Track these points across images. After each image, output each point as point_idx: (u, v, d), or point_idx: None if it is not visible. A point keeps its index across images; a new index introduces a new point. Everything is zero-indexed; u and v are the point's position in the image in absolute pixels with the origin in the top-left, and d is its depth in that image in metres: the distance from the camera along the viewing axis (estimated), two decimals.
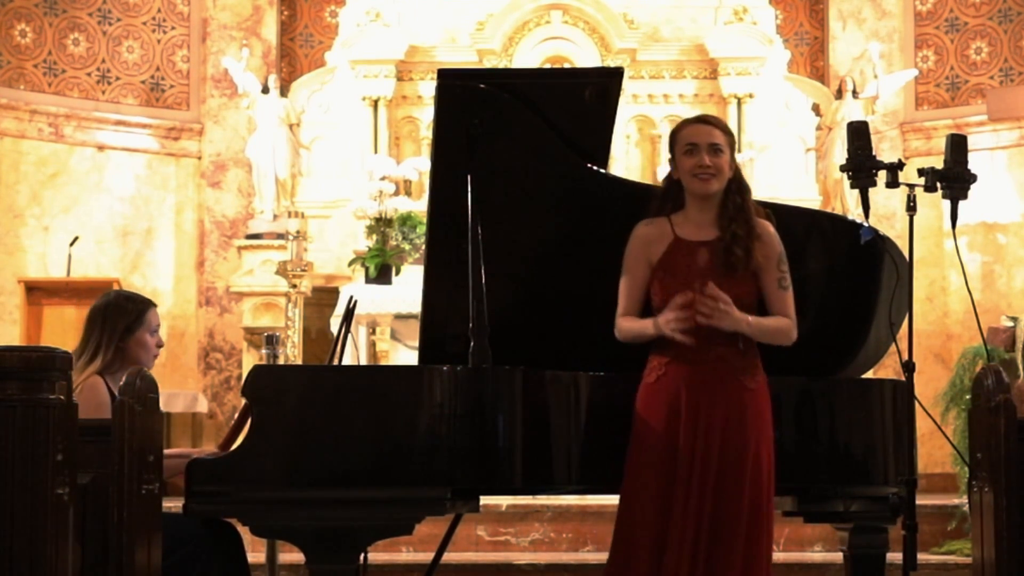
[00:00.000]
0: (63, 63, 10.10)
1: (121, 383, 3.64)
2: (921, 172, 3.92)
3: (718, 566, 3.66)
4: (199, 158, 10.33)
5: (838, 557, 5.44)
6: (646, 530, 3.70)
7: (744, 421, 3.74)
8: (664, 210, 3.90)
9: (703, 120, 3.91)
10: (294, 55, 10.80)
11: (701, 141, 3.81)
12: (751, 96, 9.74)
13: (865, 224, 4.04)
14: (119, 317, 4.24)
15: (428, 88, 9.59)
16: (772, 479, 3.78)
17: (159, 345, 4.33)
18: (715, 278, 3.77)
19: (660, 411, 3.75)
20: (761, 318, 3.80)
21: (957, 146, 3.93)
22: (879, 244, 4.16)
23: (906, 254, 4.02)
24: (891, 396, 4.16)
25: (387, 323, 8.75)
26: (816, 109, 10.11)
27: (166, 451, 4.01)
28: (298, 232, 8.17)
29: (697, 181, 3.81)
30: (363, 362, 8.35)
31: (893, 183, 3.91)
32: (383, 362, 8.69)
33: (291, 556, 5.57)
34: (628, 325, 3.85)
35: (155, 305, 4.39)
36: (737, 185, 3.88)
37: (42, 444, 2.91)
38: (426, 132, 9.63)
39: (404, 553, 6.92)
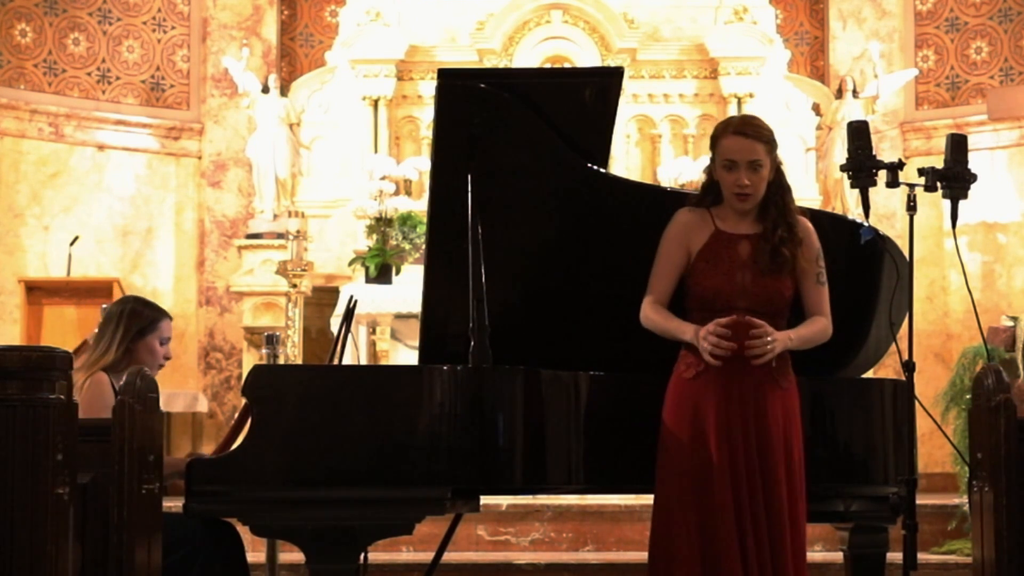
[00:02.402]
0: (63, 63, 10.10)
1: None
2: (921, 172, 3.92)
3: (774, 567, 3.67)
4: (199, 158, 10.33)
5: (838, 557, 5.43)
6: (688, 533, 3.69)
7: (778, 420, 3.75)
8: (704, 202, 3.90)
9: (743, 133, 3.81)
10: (294, 55, 10.80)
11: (741, 159, 3.78)
12: (751, 96, 9.73)
13: (865, 224, 4.04)
14: (134, 320, 4.37)
15: (428, 88, 9.58)
16: (804, 474, 3.79)
17: (166, 357, 4.45)
18: (757, 272, 3.79)
19: (695, 407, 3.74)
20: (800, 329, 3.82)
21: (957, 146, 3.93)
22: (879, 244, 4.16)
23: (906, 254, 4.02)
24: (891, 396, 4.16)
25: (387, 323, 8.75)
26: (816, 109, 10.11)
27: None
28: (298, 232, 8.17)
29: (735, 199, 3.82)
30: (363, 362, 8.35)
31: (893, 183, 3.91)
32: (383, 362, 8.69)
33: (291, 556, 5.57)
34: (660, 319, 3.83)
35: (171, 317, 4.52)
36: (778, 186, 3.88)
37: (42, 444, 2.91)
38: (426, 132, 9.63)
39: (404, 553, 6.92)
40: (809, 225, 3.90)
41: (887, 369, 6.43)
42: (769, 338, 3.71)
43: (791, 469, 3.75)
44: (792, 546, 3.72)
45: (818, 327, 3.85)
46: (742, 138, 3.80)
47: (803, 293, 3.87)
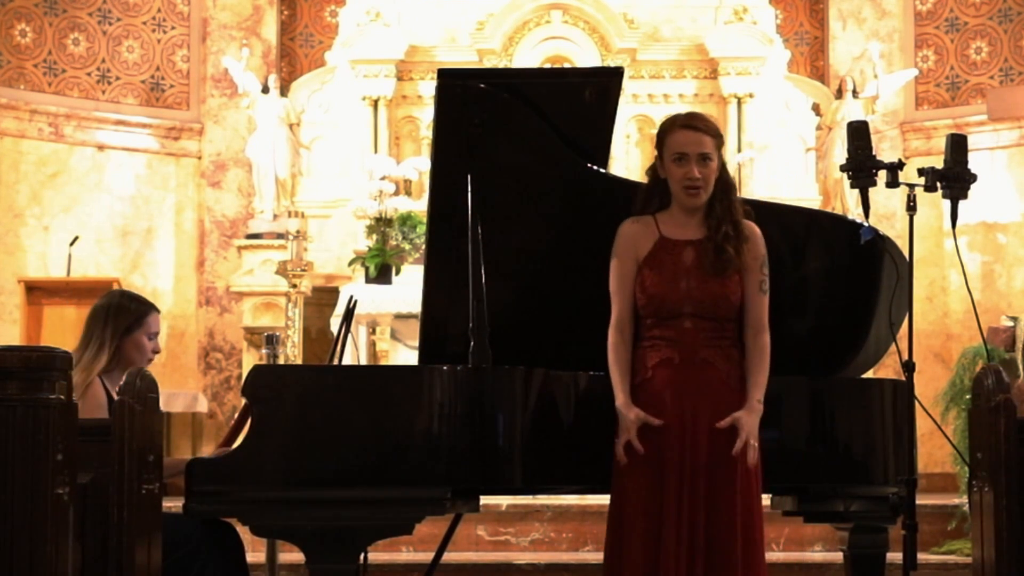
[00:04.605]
0: (63, 63, 10.10)
1: (120, 383, 3.62)
2: (921, 172, 3.92)
3: (718, 571, 3.65)
4: (199, 158, 10.33)
5: (838, 557, 5.44)
6: (636, 531, 3.68)
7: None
8: (649, 207, 3.87)
9: (692, 127, 3.79)
10: (294, 55, 10.80)
11: (691, 151, 3.75)
12: (751, 96, 9.74)
13: (865, 224, 4.04)
14: (121, 316, 4.25)
15: (428, 88, 9.59)
16: (760, 478, 3.76)
17: (155, 351, 4.32)
18: (702, 277, 3.76)
19: (651, 407, 3.72)
20: (755, 378, 3.74)
21: (957, 146, 3.93)
22: (879, 244, 4.16)
23: (906, 254, 4.02)
24: (891, 396, 4.16)
25: (387, 323, 8.75)
26: (816, 109, 10.11)
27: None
28: (298, 232, 8.17)
29: (686, 195, 3.78)
30: (363, 362, 8.35)
31: (893, 183, 3.91)
32: (383, 362, 8.69)
33: (291, 556, 5.57)
34: (612, 362, 3.78)
35: (158, 310, 4.39)
36: (723, 185, 3.83)
37: (42, 444, 2.91)
38: (426, 132, 9.63)
39: (404, 553, 6.92)
40: (756, 228, 3.84)
41: (887, 369, 6.43)
42: (744, 441, 3.65)
43: (745, 470, 3.69)
44: (749, 548, 3.67)
45: (764, 361, 3.76)
46: (691, 131, 3.78)
47: (744, 299, 3.79)
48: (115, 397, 4.10)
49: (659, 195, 3.86)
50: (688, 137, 3.77)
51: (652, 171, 3.90)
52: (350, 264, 9.43)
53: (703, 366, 3.74)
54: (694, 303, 3.75)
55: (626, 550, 3.69)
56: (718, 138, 3.82)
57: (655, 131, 10.31)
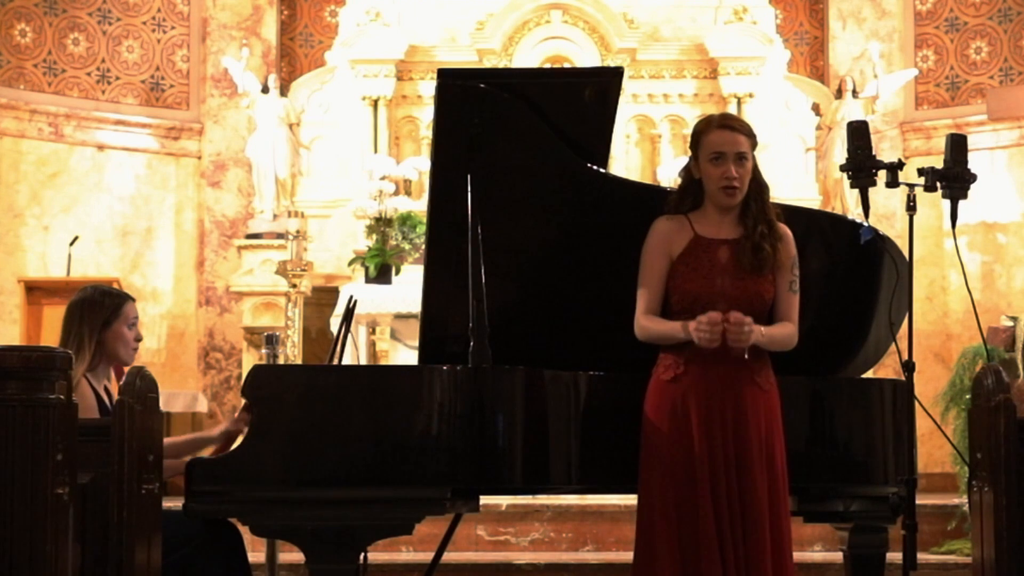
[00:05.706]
0: (63, 63, 10.10)
1: (106, 378, 3.60)
2: (921, 172, 3.92)
3: (751, 566, 3.67)
4: (199, 158, 10.33)
5: (838, 557, 5.43)
6: (668, 532, 3.71)
7: (759, 421, 3.75)
8: (683, 207, 3.90)
9: (729, 126, 3.84)
10: (294, 55, 10.80)
11: (728, 151, 3.79)
12: (751, 96, 9.73)
13: (865, 224, 4.04)
14: (96, 311, 4.19)
15: (428, 88, 9.58)
16: (786, 475, 3.80)
17: (138, 339, 4.27)
18: (737, 275, 3.80)
19: (676, 409, 3.75)
20: (772, 328, 3.82)
21: (957, 146, 3.93)
22: (879, 244, 4.16)
23: (906, 254, 4.02)
24: (891, 396, 4.16)
25: (387, 323, 8.75)
26: (816, 109, 10.11)
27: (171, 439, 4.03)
28: (298, 232, 8.17)
29: (723, 195, 3.82)
30: (363, 362, 8.35)
31: (893, 183, 3.91)
32: (383, 362, 8.69)
33: (291, 556, 5.57)
34: (652, 325, 3.83)
35: (132, 299, 4.34)
36: (757, 185, 3.88)
37: (42, 444, 2.91)
38: (426, 132, 9.63)
39: (404, 553, 6.92)
40: (787, 229, 3.90)
41: (887, 369, 6.43)
42: (747, 327, 3.71)
43: (772, 470, 3.75)
44: (776, 547, 3.72)
45: (787, 331, 3.84)
46: (728, 131, 3.83)
47: (775, 299, 3.85)
48: (102, 394, 4.11)
49: (693, 195, 3.89)
50: (725, 137, 3.81)
51: (686, 172, 3.93)
52: (350, 264, 9.43)
53: (734, 364, 3.76)
54: (728, 300, 3.78)
55: (657, 552, 3.71)
56: (753, 138, 3.86)
57: (655, 131, 10.27)
